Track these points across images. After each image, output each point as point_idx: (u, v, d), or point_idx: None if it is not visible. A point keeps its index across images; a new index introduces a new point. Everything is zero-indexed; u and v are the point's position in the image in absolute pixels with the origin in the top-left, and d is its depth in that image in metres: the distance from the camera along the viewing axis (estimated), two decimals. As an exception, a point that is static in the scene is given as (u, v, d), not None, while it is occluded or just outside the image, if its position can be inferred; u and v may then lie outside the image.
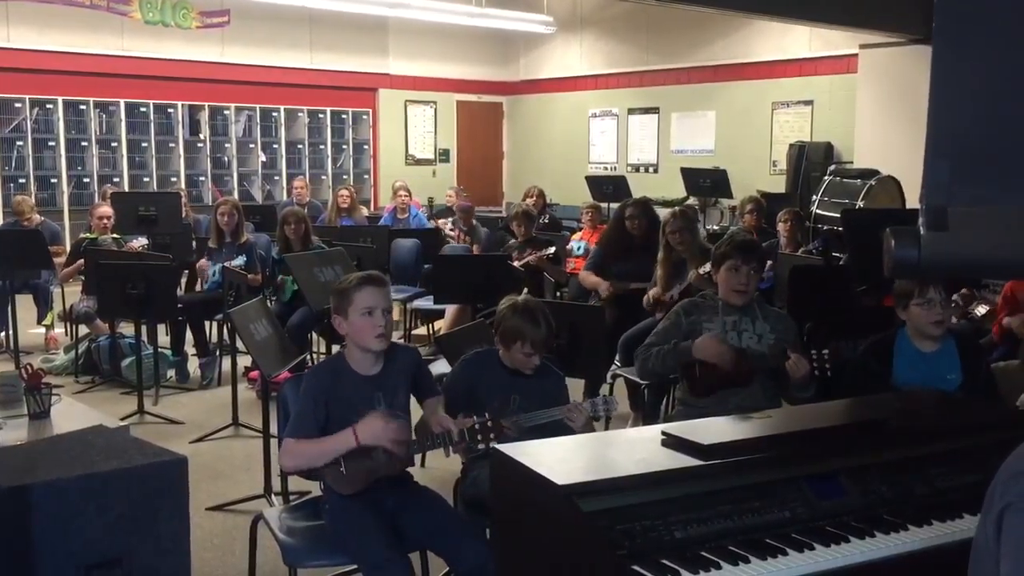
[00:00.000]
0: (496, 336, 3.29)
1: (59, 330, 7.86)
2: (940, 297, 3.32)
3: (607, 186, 11.09)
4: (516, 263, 6.80)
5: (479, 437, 2.79)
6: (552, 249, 6.98)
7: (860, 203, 8.55)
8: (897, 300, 3.42)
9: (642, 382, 4.84)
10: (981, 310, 4.96)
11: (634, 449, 2.36)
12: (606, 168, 13.86)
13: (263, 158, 13.09)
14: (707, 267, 4.95)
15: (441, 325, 6.62)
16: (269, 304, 5.89)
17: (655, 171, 13.44)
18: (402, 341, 5.80)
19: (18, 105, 11.09)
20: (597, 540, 1.97)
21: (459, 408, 3.27)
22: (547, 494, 2.09)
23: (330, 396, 2.89)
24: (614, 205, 9.38)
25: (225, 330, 6.47)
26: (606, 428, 5.10)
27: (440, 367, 4.56)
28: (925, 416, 2.82)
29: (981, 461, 2.39)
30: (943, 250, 0.99)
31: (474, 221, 8.84)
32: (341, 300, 2.94)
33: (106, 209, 7.53)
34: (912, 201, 8.77)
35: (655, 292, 5.31)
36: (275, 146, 13.19)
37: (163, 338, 6.97)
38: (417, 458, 3.14)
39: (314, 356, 6.80)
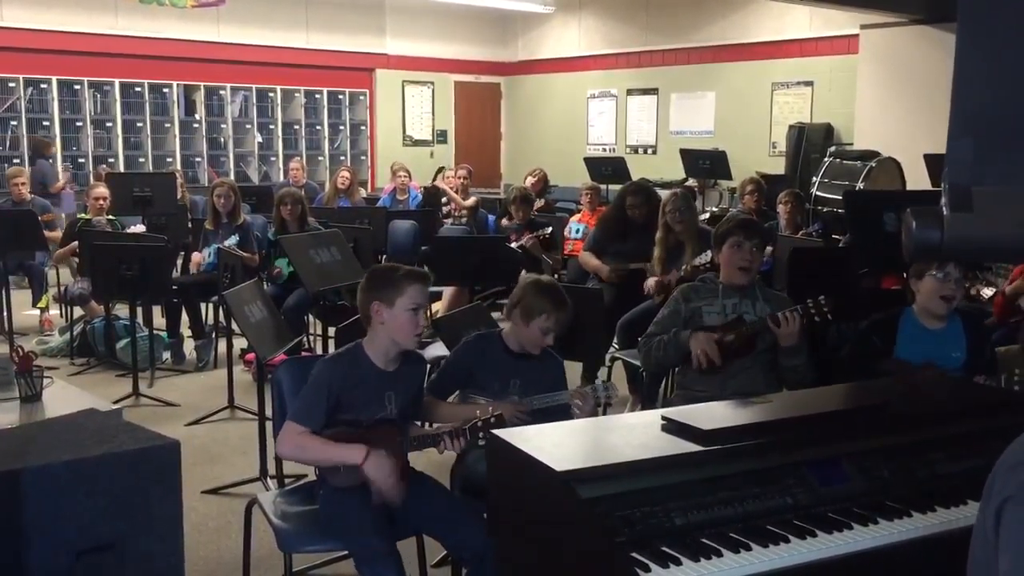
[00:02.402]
0: (515, 310, 3.21)
1: (54, 312, 7.81)
2: (957, 274, 3.30)
3: (606, 167, 11.05)
4: (514, 245, 6.76)
5: (480, 435, 2.74)
6: (549, 230, 6.94)
7: (860, 185, 8.50)
8: (912, 270, 3.41)
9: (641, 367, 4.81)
10: (988, 292, 4.93)
11: (633, 434, 2.32)
12: (604, 149, 13.80)
13: (259, 139, 13.03)
14: (703, 258, 4.92)
15: (438, 307, 6.58)
16: (265, 286, 5.85)
17: (654, 152, 13.38)
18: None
19: (12, 84, 11.02)
20: (596, 527, 1.94)
21: (455, 388, 3.24)
22: (545, 480, 2.05)
23: (343, 386, 2.82)
24: (613, 187, 9.37)
25: (221, 312, 6.43)
26: (603, 412, 5.09)
27: (437, 350, 4.53)
28: (928, 400, 2.79)
29: (985, 446, 2.36)
30: (966, 232, 0.95)
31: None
32: (388, 288, 2.82)
33: (102, 190, 7.47)
34: (912, 183, 8.73)
35: (651, 281, 5.27)
36: (271, 127, 13.12)
37: (158, 320, 6.92)
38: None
39: (310, 339, 6.76)
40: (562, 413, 3.11)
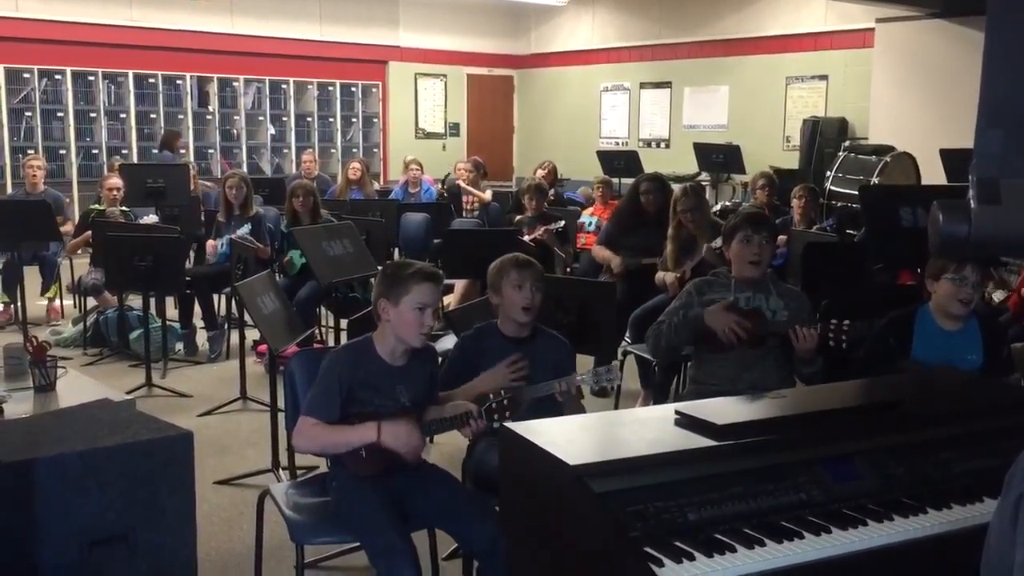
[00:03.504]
0: (489, 292, 3.27)
1: (68, 302, 7.84)
2: (974, 277, 3.26)
3: (618, 161, 11.02)
4: (526, 238, 6.74)
5: (495, 416, 2.74)
6: (562, 223, 6.92)
7: (875, 179, 8.47)
8: (929, 271, 3.37)
9: (653, 359, 4.79)
10: (999, 295, 4.89)
11: (646, 429, 2.31)
12: (617, 143, 13.76)
13: (272, 131, 13.04)
14: (717, 242, 4.90)
15: (450, 300, 6.57)
16: (277, 278, 5.85)
17: (667, 146, 13.34)
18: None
19: (27, 76, 11.04)
20: (608, 521, 1.93)
21: (461, 384, 3.24)
22: (557, 474, 2.04)
23: (353, 379, 2.81)
24: (625, 181, 9.35)
25: (233, 303, 6.45)
26: (616, 406, 5.08)
27: (449, 342, 4.52)
28: (943, 398, 2.76)
29: (1001, 444, 2.34)
30: (995, 225, 0.94)
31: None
32: (395, 286, 2.81)
33: (116, 180, 7.50)
34: (928, 178, 8.68)
35: (668, 276, 5.24)
36: (284, 119, 13.13)
37: (171, 311, 6.95)
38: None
39: (322, 331, 6.77)
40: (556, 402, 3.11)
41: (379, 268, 4.62)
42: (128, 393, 4.80)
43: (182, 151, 11.54)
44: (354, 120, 13.86)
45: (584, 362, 3.75)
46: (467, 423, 2.81)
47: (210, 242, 6.89)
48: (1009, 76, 0.89)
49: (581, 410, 3.22)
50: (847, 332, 3.30)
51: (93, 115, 11.55)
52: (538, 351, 3.21)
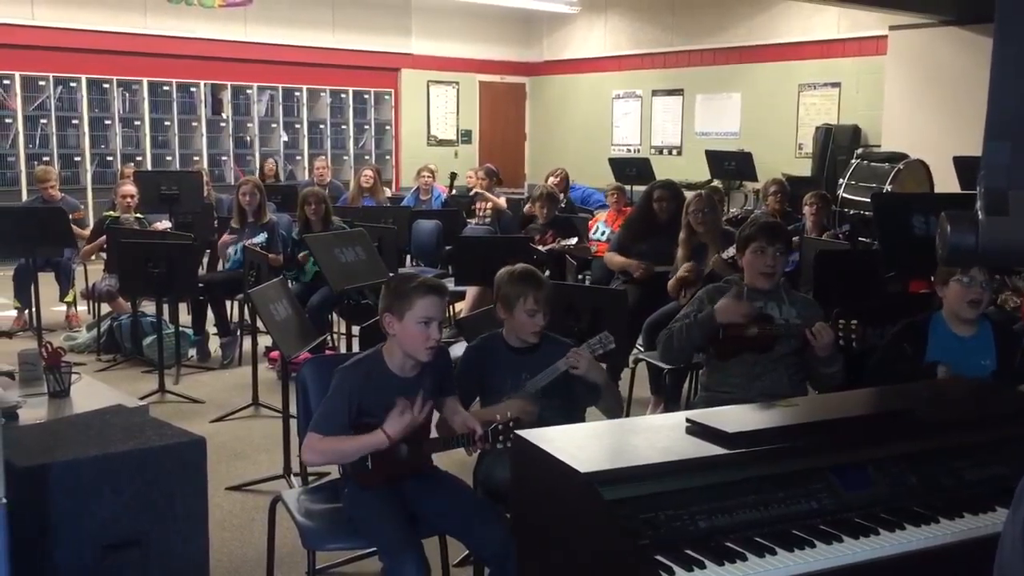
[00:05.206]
0: (498, 305, 3.25)
1: (82, 308, 7.89)
2: (982, 277, 3.26)
3: (630, 168, 11.03)
4: (539, 246, 6.74)
5: (501, 437, 2.74)
6: (574, 240, 6.90)
7: (888, 187, 8.43)
8: (938, 276, 3.38)
9: (664, 366, 4.79)
10: (1013, 302, 4.87)
11: (658, 436, 2.31)
12: (629, 150, 13.76)
13: (285, 138, 13.10)
14: (730, 251, 4.89)
15: (462, 307, 6.58)
16: (290, 284, 5.87)
17: (679, 153, 13.33)
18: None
19: (42, 83, 11.13)
20: (619, 529, 1.93)
21: (472, 397, 3.24)
22: (569, 481, 2.05)
23: (363, 395, 2.82)
24: (637, 188, 9.36)
25: (246, 310, 6.47)
26: (627, 413, 5.07)
27: (460, 350, 4.52)
28: (956, 406, 2.76)
29: (1013, 452, 2.33)
30: (1002, 236, 0.94)
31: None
32: (399, 300, 2.79)
33: (130, 188, 7.55)
34: (940, 185, 8.65)
35: (681, 271, 5.22)
36: (297, 126, 13.19)
37: (184, 317, 6.98)
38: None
39: (334, 337, 6.79)
40: (565, 383, 3.11)
41: (390, 275, 4.63)
42: (141, 399, 4.82)
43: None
44: (366, 127, 13.91)
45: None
46: (472, 443, 2.82)
47: (224, 237, 6.91)
48: (1017, 87, 0.89)
49: (603, 375, 3.21)
50: (855, 330, 3.30)
51: (108, 122, 11.63)
52: (545, 359, 3.21)
